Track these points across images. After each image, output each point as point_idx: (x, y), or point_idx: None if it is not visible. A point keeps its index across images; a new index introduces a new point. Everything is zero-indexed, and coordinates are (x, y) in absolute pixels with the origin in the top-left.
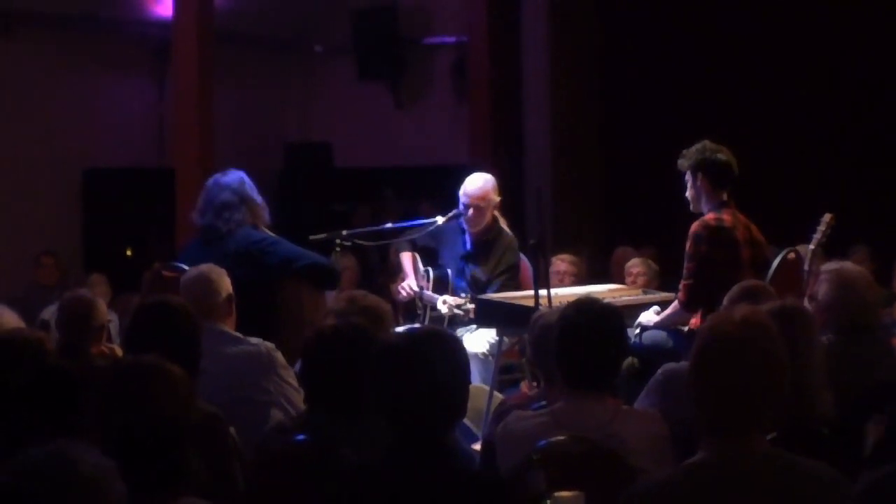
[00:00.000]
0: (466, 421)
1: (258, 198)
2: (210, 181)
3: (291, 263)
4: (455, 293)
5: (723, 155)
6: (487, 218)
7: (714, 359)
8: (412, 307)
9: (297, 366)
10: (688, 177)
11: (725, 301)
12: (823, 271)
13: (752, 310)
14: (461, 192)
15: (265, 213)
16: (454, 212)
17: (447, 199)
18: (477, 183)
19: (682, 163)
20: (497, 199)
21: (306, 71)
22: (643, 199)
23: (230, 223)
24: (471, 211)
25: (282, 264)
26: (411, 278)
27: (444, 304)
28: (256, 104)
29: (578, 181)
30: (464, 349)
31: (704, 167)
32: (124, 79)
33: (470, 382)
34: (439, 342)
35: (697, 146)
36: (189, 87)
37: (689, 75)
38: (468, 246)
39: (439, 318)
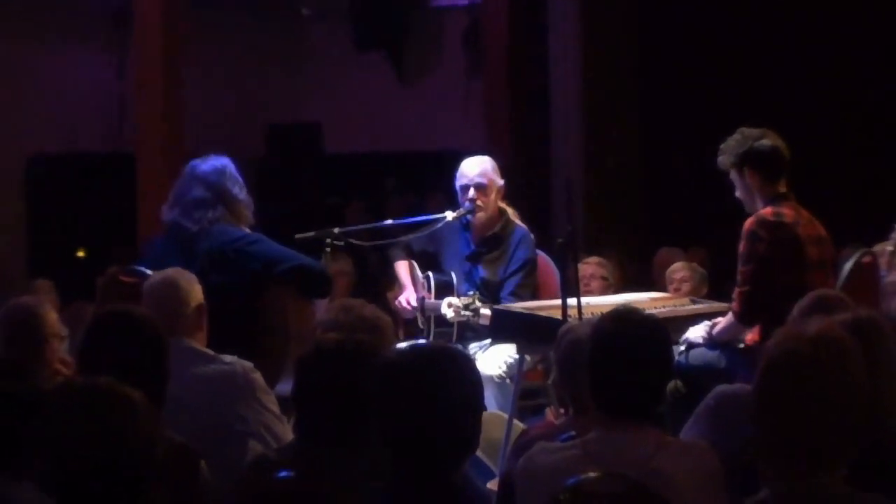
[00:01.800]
0: (480, 454)
1: (242, 193)
2: (186, 168)
3: (274, 266)
4: (460, 296)
5: (768, 140)
6: (493, 202)
7: (782, 382)
8: (414, 322)
9: (280, 388)
10: (733, 175)
11: (795, 312)
12: (891, 283)
13: (826, 324)
14: (458, 177)
15: (249, 212)
16: (465, 206)
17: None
18: (474, 161)
19: (723, 160)
20: (500, 182)
21: (293, 39)
22: (691, 191)
23: (202, 222)
24: (471, 191)
25: (263, 268)
26: (410, 290)
27: (450, 307)
28: (233, 78)
29: (614, 170)
30: (476, 369)
31: (750, 160)
32: (76, 49)
33: (484, 409)
34: (447, 360)
35: (735, 137)
36: (153, 58)
37: (740, 41)
38: (472, 244)
39: (445, 333)
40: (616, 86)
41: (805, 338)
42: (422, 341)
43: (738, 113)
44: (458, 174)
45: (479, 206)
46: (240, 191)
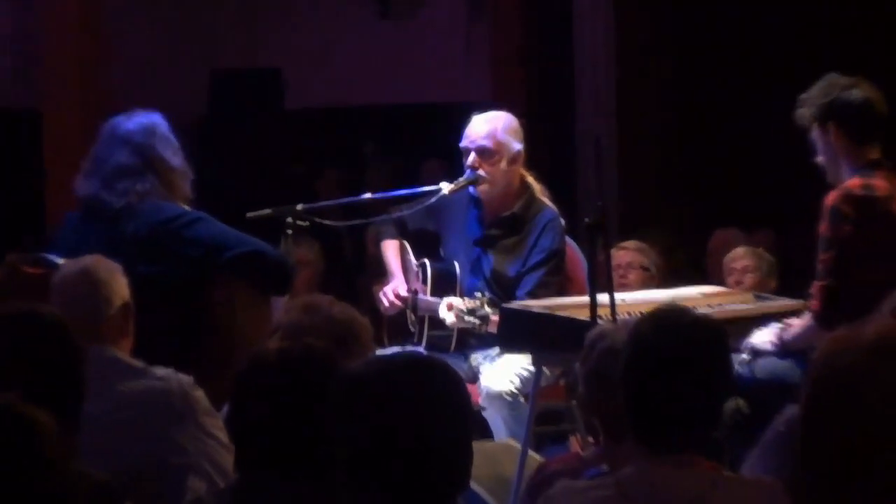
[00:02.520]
0: (486, 494)
1: (177, 160)
2: (105, 127)
3: (220, 254)
4: (467, 297)
5: (859, 91)
6: (503, 173)
7: (830, 401)
8: (403, 322)
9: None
10: (814, 133)
11: (885, 310)
12: None
13: (890, 327)
14: (463, 135)
15: (187, 184)
16: (468, 175)
17: (460, 155)
18: (481, 118)
19: (803, 113)
20: (517, 145)
21: None
22: (755, 157)
23: (127, 195)
24: (472, 157)
25: (205, 255)
26: (399, 278)
27: (450, 310)
28: (168, 14)
29: (656, 132)
30: (463, 387)
31: (835, 113)
32: None
33: (469, 435)
34: (426, 374)
35: (821, 84)
36: None
37: None
38: (483, 225)
39: (441, 337)
40: (657, 22)
41: (861, 343)
42: (400, 350)
43: (824, 58)
44: (464, 133)
45: (480, 178)
46: (174, 156)
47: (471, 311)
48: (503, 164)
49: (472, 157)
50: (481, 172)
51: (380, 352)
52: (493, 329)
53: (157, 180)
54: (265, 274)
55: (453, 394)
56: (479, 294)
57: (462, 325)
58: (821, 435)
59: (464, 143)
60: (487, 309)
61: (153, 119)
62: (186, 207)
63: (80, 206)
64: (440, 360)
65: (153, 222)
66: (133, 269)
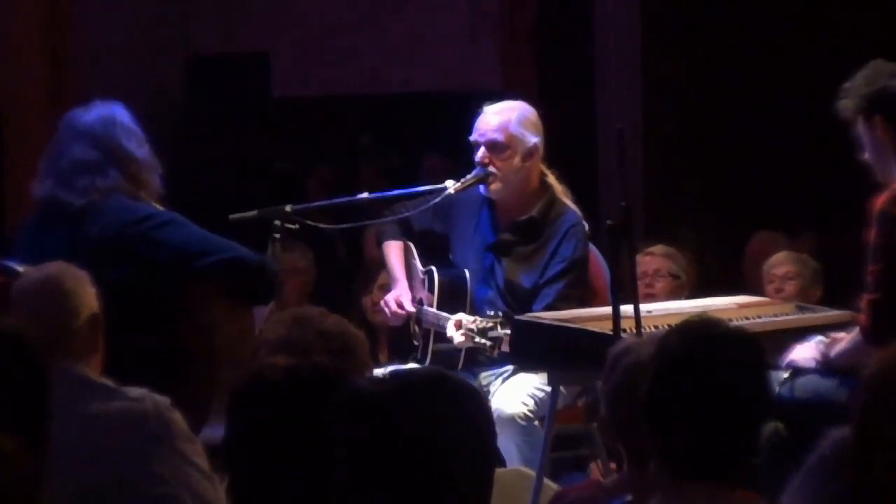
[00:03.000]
0: None
1: (141, 150)
2: (62, 121)
3: (195, 260)
4: (477, 310)
5: None
6: (517, 170)
7: (885, 423)
8: (405, 336)
9: (208, 433)
10: (859, 127)
11: None
12: None
13: None
14: (473, 127)
15: (155, 178)
16: (476, 172)
17: (466, 148)
18: (494, 109)
19: (845, 104)
20: (533, 139)
21: None
22: (796, 153)
23: (88, 193)
24: (482, 151)
25: (180, 260)
26: (402, 285)
27: (459, 329)
28: None
29: (685, 122)
30: (485, 407)
31: (884, 104)
32: None
33: (499, 462)
34: (441, 394)
35: (865, 72)
36: None
37: None
38: (497, 229)
39: (448, 353)
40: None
41: None
42: (410, 367)
43: (869, 47)
44: (474, 127)
45: (491, 174)
46: (138, 147)
47: (482, 332)
48: (516, 160)
49: (481, 151)
50: (492, 169)
51: (380, 370)
52: (506, 349)
53: (119, 175)
54: (247, 282)
55: (472, 414)
56: (491, 312)
57: (471, 345)
58: (876, 460)
59: (473, 137)
60: (500, 331)
61: (113, 109)
62: (158, 207)
63: (37, 209)
64: (459, 378)
65: (121, 222)
66: (99, 275)
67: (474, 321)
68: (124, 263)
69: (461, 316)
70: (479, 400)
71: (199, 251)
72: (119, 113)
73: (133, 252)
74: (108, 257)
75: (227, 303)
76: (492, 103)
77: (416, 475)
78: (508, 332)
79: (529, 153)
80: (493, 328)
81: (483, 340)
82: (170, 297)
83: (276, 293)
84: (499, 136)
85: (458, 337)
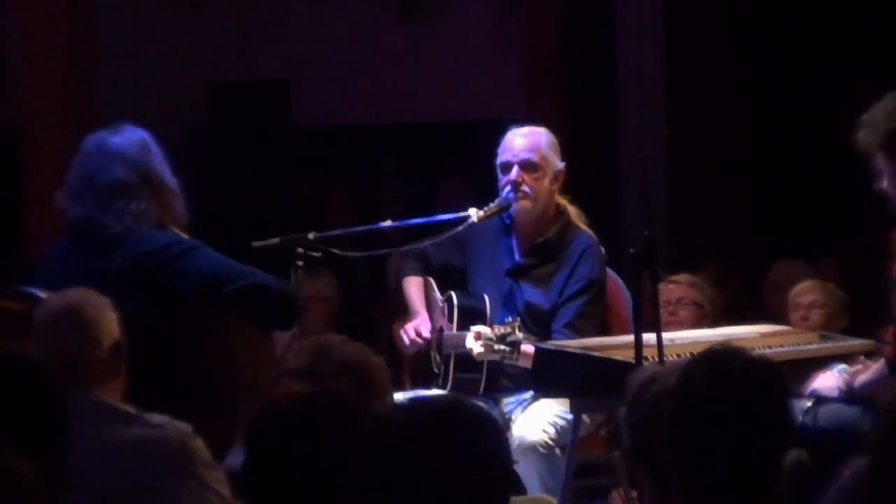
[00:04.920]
0: None
1: (171, 178)
2: (89, 143)
3: (217, 287)
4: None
5: None
6: (546, 192)
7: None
8: (426, 365)
9: (231, 461)
10: (878, 159)
11: None
12: None
13: None
14: (499, 153)
15: (181, 205)
16: (500, 200)
17: (487, 177)
18: (523, 132)
19: (865, 137)
20: (558, 164)
21: None
22: (817, 182)
23: (125, 217)
24: (514, 171)
25: (200, 289)
26: (423, 317)
27: (478, 339)
28: (160, 19)
29: (707, 151)
30: (501, 435)
31: None
32: None
33: (510, 490)
34: (460, 422)
35: (883, 105)
36: None
37: None
38: (517, 254)
39: (470, 380)
40: (715, 28)
41: None
42: (433, 392)
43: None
44: (501, 148)
45: (523, 194)
46: (169, 174)
47: (500, 338)
48: (546, 182)
49: (514, 171)
50: (525, 188)
51: (400, 395)
52: (525, 363)
53: (153, 199)
54: (267, 309)
55: (490, 442)
56: (509, 320)
57: (492, 356)
58: (893, 489)
59: (504, 158)
60: (519, 334)
61: (142, 134)
62: (181, 235)
63: (69, 230)
64: (477, 406)
65: (141, 253)
66: (121, 305)
67: (492, 329)
68: (145, 293)
69: (480, 328)
70: (495, 428)
71: (220, 278)
72: (149, 139)
73: (153, 282)
74: (128, 288)
75: (248, 329)
76: (515, 127)
77: (433, 501)
78: (526, 335)
79: (556, 176)
80: (510, 333)
81: (502, 347)
82: (191, 325)
83: (297, 319)
84: (533, 156)
85: (477, 348)
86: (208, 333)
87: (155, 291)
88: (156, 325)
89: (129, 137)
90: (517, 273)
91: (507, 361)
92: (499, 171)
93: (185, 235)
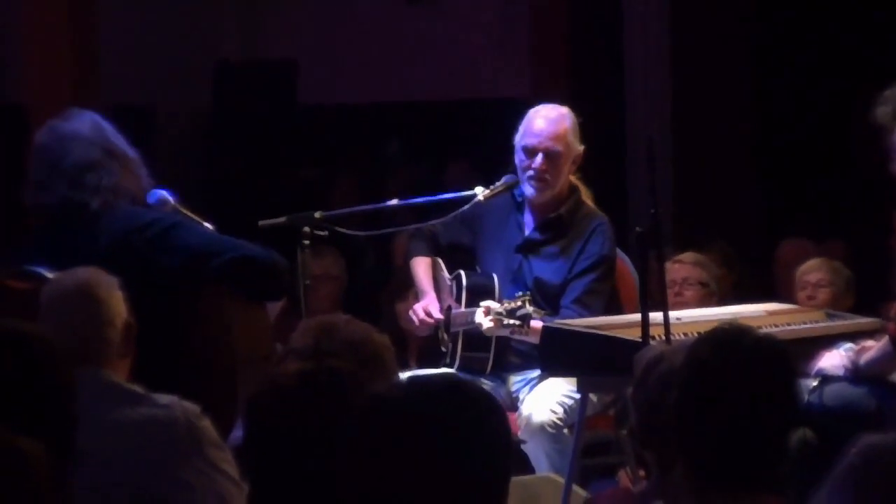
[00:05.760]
0: None
1: (131, 149)
2: (42, 135)
3: (206, 260)
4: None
5: None
6: (565, 177)
7: None
8: (434, 342)
9: (233, 438)
10: (895, 135)
11: None
12: None
13: None
14: (521, 132)
15: (145, 175)
16: (506, 179)
17: (494, 157)
18: (550, 115)
19: (882, 112)
20: (578, 149)
21: None
22: (821, 159)
23: (101, 192)
24: (538, 159)
25: (189, 263)
26: (430, 297)
27: (488, 314)
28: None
29: (716, 129)
30: (502, 415)
31: None
32: None
33: (509, 470)
34: (457, 400)
35: None
36: None
37: None
38: (528, 230)
39: (478, 359)
40: (721, 6)
41: None
42: (430, 373)
43: None
44: (524, 128)
45: (544, 182)
46: (127, 145)
47: (510, 312)
48: (566, 168)
49: (539, 159)
50: (547, 177)
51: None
52: (535, 338)
53: (121, 171)
54: (256, 280)
55: (491, 419)
56: (519, 293)
57: (501, 332)
58: None
59: (529, 142)
60: (529, 308)
61: (91, 115)
62: (157, 211)
63: (45, 218)
64: (479, 386)
65: (126, 230)
66: None
67: (501, 304)
68: (133, 271)
69: (489, 303)
70: (495, 406)
71: (208, 252)
72: (98, 118)
73: (142, 259)
74: (117, 266)
75: (240, 301)
76: (537, 106)
77: (430, 481)
78: (536, 311)
79: (575, 160)
80: (521, 307)
81: (512, 321)
82: (183, 301)
83: (287, 289)
84: (557, 146)
85: (486, 323)
86: (200, 310)
87: (142, 268)
88: (146, 302)
89: (80, 119)
90: (527, 248)
91: (516, 336)
92: (520, 151)
93: (163, 213)
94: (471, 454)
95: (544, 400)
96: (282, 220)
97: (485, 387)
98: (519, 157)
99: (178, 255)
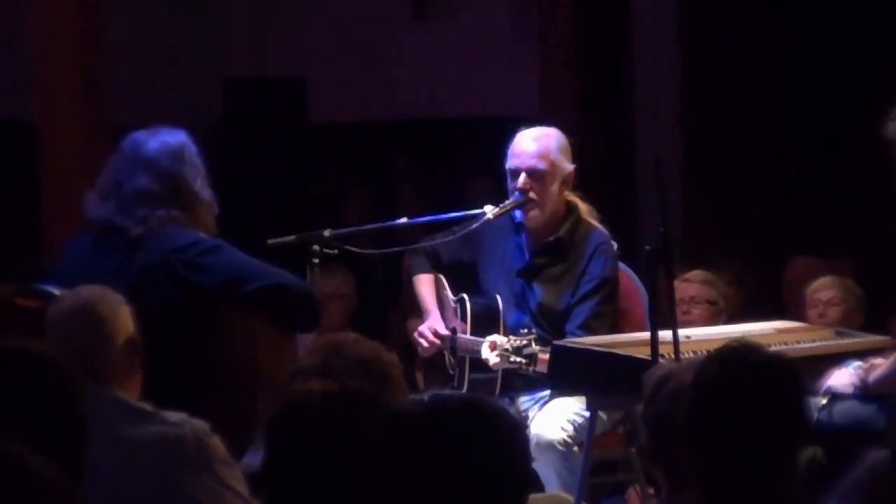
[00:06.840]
0: None
1: (205, 190)
2: (127, 143)
3: (239, 286)
4: (511, 333)
5: None
6: (554, 196)
7: None
8: (440, 365)
9: (250, 459)
10: None
11: None
12: None
13: None
14: (509, 153)
15: (212, 218)
16: (515, 197)
17: (502, 175)
18: (532, 135)
19: (894, 128)
20: (567, 167)
21: None
22: (832, 178)
23: (146, 222)
24: (521, 178)
25: (223, 286)
26: (435, 315)
27: (493, 349)
28: (176, 16)
29: (723, 148)
30: (521, 433)
31: None
32: None
33: (528, 487)
34: (479, 420)
35: None
36: None
37: None
38: (528, 254)
39: (485, 381)
40: (729, 27)
41: None
42: (446, 392)
43: None
44: (509, 151)
45: (531, 201)
46: (203, 187)
47: (517, 350)
48: (554, 187)
49: (521, 178)
50: (532, 195)
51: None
52: (542, 368)
53: (179, 212)
54: (290, 309)
55: (510, 440)
56: (525, 330)
57: (507, 366)
58: None
59: (512, 164)
60: (535, 347)
61: (179, 138)
62: (204, 236)
63: (90, 230)
64: (497, 404)
65: (166, 250)
66: (143, 300)
67: (508, 340)
68: (169, 289)
69: (495, 337)
70: (515, 424)
71: (244, 277)
72: (186, 146)
73: (177, 278)
74: (152, 283)
75: (271, 329)
76: (525, 128)
77: (451, 497)
78: (542, 348)
79: (565, 180)
80: (527, 345)
81: (518, 359)
82: (213, 323)
83: (318, 319)
84: (540, 164)
85: (493, 358)
86: (231, 331)
87: (177, 287)
88: (177, 321)
89: (164, 143)
90: (528, 274)
91: (521, 371)
92: (508, 175)
93: (206, 236)
94: (491, 471)
95: (554, 418)
96: (291, 238)
97: None
98: (508, 182)
99: (214, 276)
